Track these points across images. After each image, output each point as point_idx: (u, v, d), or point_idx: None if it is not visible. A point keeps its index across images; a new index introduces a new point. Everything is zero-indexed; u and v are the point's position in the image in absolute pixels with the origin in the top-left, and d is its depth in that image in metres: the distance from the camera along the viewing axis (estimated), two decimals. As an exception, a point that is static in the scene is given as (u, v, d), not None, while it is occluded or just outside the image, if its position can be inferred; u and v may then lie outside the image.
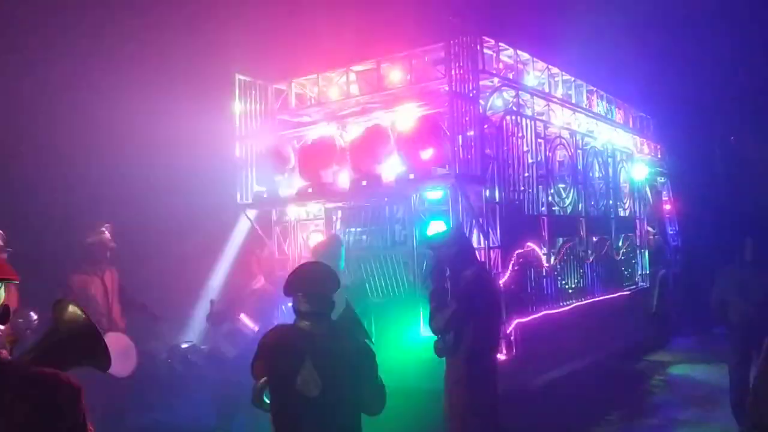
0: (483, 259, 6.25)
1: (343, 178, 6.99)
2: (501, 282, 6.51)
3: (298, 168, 7.25)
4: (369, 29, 7.69)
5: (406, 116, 6.65)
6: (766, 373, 3.00)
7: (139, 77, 7.82)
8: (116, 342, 6.43)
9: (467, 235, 6.13)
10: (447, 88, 6.20)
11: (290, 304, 3.64)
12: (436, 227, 6.29)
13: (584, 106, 8.90)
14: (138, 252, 7.55)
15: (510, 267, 6.70)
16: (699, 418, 7.32)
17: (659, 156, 11.97)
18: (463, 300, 5.04)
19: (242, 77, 7.81)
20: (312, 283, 3.66)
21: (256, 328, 6.22)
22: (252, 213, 7.78)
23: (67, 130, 7.60)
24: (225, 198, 7.85)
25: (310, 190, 7.11)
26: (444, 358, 5.27)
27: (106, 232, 6.71)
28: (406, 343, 6.72)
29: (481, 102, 6.56)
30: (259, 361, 3.54)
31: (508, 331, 6.57)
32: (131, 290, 6.90)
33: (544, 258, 7.44)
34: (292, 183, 7.43)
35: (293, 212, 7.93)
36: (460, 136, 6.19)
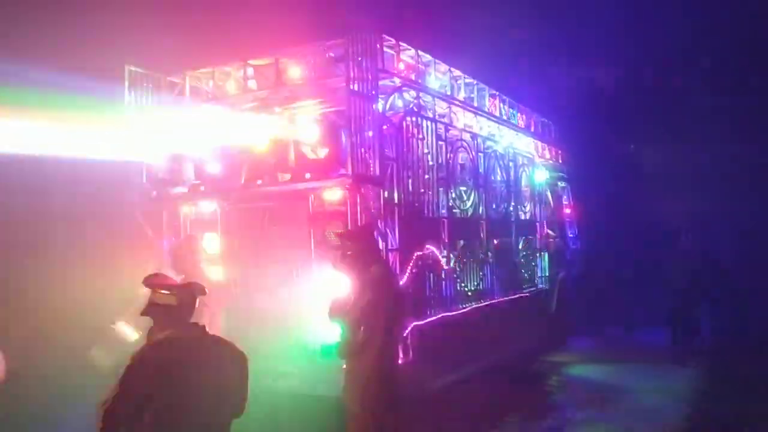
0: (387, 260, 6.12)
1: (237, 176, 6.69)
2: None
3: (193, 166, 6.91)
4: (270, 23, 7.41)
5: (305, 114, 6.45)
6: None
7: (24, 68, 7.20)
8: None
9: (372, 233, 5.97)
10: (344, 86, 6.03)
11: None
12: (337, 226, 6.14)
13: (486, 110, 8.96)
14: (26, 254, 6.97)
15: (408, 269, 6.61)
16: (593, 418, 7.46)
17: (560, 161, 12.27)
18: (375, 294, 4.88)
19: (134, 68, 7.38)
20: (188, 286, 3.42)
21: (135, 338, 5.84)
22: (141, 211, 7.34)
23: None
24: (116, 197, 7.37)
25: (202, 188, 6.78)
26: (344, 361, 5.10)
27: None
28: (302, 349, 6.51)
29: (381, 102, 6.45)
30: (137, 380, 3.15)
31: (404, 335, 6.48)
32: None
33: (443, 260, 7.42)
34: (184, 181, 7.09)
35: (187, 212, 7.55)
36: (358, 136, 6.04)
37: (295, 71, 6.89)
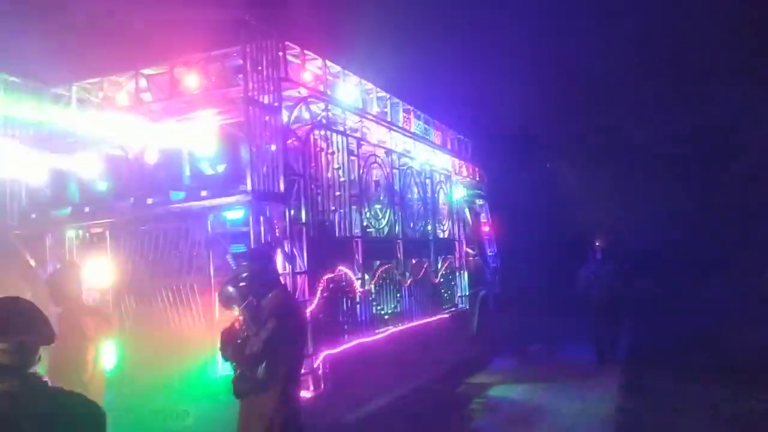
0: (287, 285, 5.61)
1: (126, 195, 6.05)
2: (308, 310, 5.92)
3: (77, 185, 6.22)
4: (163, 29, 6.83)
5: (201, 126, 5.91)
6: None
7: None
8: None
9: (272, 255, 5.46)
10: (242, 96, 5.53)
11: None
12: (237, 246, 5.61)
13: (401, 125, 8.64)
14: None
15: (318, 293, 6.13)
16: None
17: (477, 178, 12.12)
18: (278, 323, 4.33)
19: (9, 77, 6.64)
20: (15, 326, 2.75)
21: None
22: (19, 235, 6.56)
23: None
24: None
25: (87, 209, 6.10)
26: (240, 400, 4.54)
27: None
28: (199, 384, 5.90)
29: (285, 113, 5.99)
30: None
31: (315, 365, 5.99)
32: None
33: (357, 282, 6.98)
34: (67, 201, 6.38)
35: (72, 235, 6.80)
36: (259, 150, 5.54)
37: (191, 81, 6.32)
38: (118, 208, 6.07)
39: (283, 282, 5.24)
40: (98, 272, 6.36)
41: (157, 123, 6.16)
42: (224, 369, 5.15)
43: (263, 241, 5.55)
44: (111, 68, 6.69)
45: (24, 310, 2.77)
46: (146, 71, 6.58)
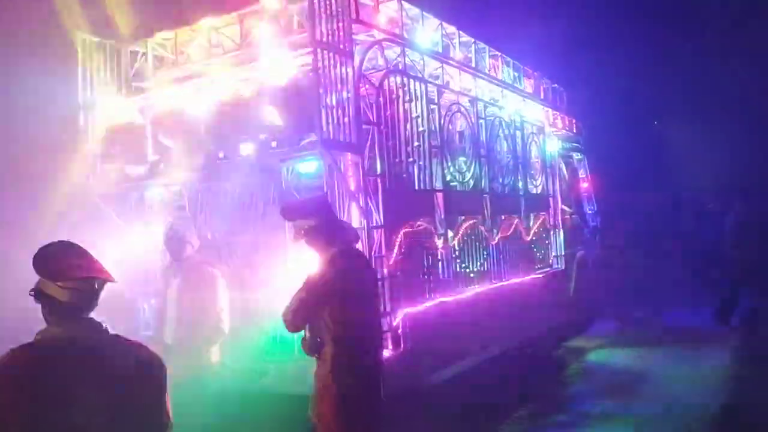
0: (363, 240, 5.30)
1: (199, 150, 5.92)
2: (385, 267, 5.61)
3: (151, 141, 6.16)
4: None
5: (272, 75, 5.65)
6: None
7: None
8: None
9: (333, 209, 5.07)
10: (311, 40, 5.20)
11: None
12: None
13: (487, 72, 8.07)
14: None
15: (396, 249, 5.80)
16: (611, 411, 6.63)
17: (575, 131, 11.33)
18: (316, 286, 3.96)
19: (87, 37, 6.64)
20: (73, 265, 2.59)
21: None
22: (104, 196, 6.61)
23: None
24: (72, 181, 6.64)
25: (162, 166, 6.03)
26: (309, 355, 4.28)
27: None
28: (278, 341, 5.77)
29: (358, 58, 5.63)
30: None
31: (394, 323, 5.69)
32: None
33: (439, 238, 6.59)
34: (147, 159, 6.35)
35: (154, 194, 6.81)
36: (328, 97, 5.22)
37: (261, 29, 6.07)
38: (192, 164, 5.95)
39: (350, 239, 4.83)
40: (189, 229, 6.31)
41: (228, 75, 5.96)
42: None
43: (322, 192, 5.25)
44: (183, 22, 6.54)
45: (81, 250, 2.61)
46: (217, 23, 6.39)
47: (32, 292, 2.54)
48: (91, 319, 2.59)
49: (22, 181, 6.97)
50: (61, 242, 2.65)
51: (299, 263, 5.48)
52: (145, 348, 2.70)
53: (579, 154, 11.61)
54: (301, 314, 3.95)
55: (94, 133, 6.57)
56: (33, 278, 2.52)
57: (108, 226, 6.70)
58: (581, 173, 11.68)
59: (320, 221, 4.08)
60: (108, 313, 2.79)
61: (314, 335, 3.99)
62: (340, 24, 5.38)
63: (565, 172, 10.75)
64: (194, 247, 5.42)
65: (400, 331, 5.73)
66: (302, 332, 4.11)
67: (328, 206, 4.34)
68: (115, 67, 6.81)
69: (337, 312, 3.91)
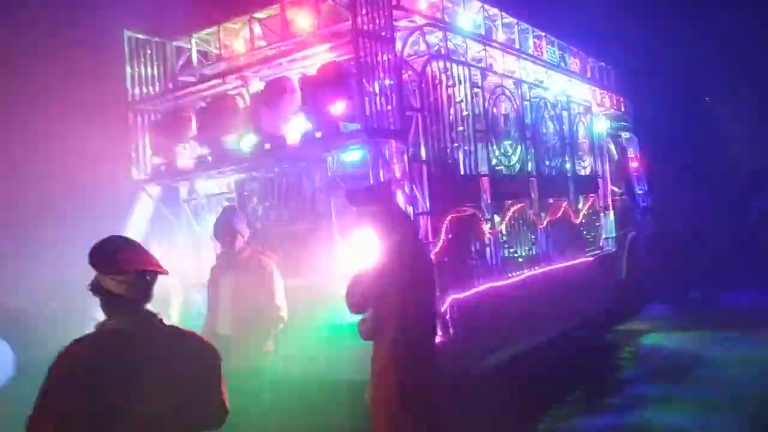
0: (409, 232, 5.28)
1: (247, 142, 5.99)
2: (432, 253, 5.59)
3: (198, 134, 6.26)
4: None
5: (314, 65, 5.68)
6: None
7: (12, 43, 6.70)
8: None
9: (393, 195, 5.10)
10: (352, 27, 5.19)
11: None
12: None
13: (531, 53, 7.93)
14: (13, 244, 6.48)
15: (442, 235, 5.77)
16: (670, 394, 6.50)
17: (623, 109, 11.06)
18: (381, 270, 4.02)
19: (134, 35, 6.77)
20: (127, 258, 2.66)
21: None
22: (153, 190, 6.76)
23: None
24: (117, 174, 6.81)
25: (209, 158, 6.13)
26: (370, 344, 4.32)
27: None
28: (329, 329, 5.81)
29: (399, 44, 5.60)
30: (59, 388, 2.40)
31: (442, 310, 5.67)
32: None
33: (486, 224, 6.54)
34: (194, 152, 6.46)
35: (203, 187, 6.94)
36: (371, 84, 5.21)
37: (302, 20, 6.10)
38: (239, 156, 6.02)
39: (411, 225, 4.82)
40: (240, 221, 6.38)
41: (271, 65, 6.00)
42: (343, 316, 4.97)
43: (380, 180, 5.25)
44: (226, 16, 6.61)
45: (134, 244, 2.71)
46: (259, 15, 6.44)
47: (90, 286, 2.63)
48: (147, 310, 2.67)
49: (76, 178, 7.16)
50: (114, 237, 2.73)
51: (348, 251, 5.54)
52: (199, 338, 2.77)
53: (628, 133, 11.33)
54: (366, 297, 4.01)
55: (142, 128, 6.71)
56: (91, 272, 2.61)
57: (158, 220, 6.86)
58: (630, 152, 11.41)
59: (386, 207, 4.13)
60: (161, 305, 2.87)
61: (376, 318, 4.02)
62: (381, 11, 5.36)
63: (614, 152, 10.52)
64: (245, 238, 5.36)
65: (448, 317, 5.71)
66: (361, 315, 4.16)
67: (393, 193, 4.38)
68: (161, 63, 6.93)
69: (401, 297, 3.96)
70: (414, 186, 5.53)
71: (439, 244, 5.73)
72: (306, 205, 6.31)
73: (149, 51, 6.86)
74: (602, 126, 9.84)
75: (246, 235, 5.36)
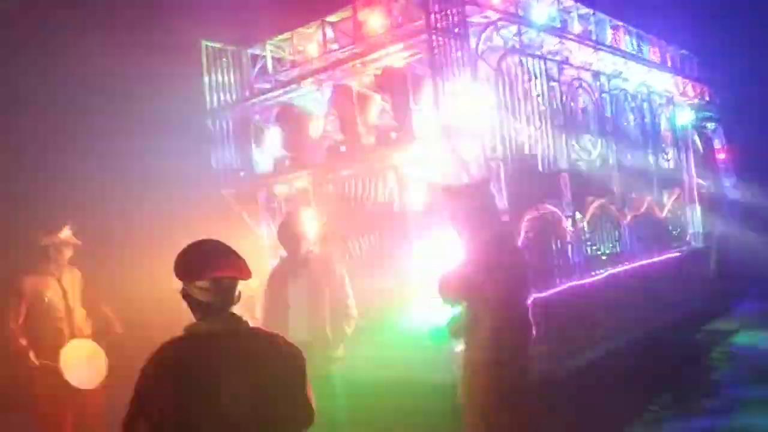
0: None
1: (320, 145, 6.05)
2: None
3: (279, 139, 6.36)
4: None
5: (387, 65, 5.67)
6: None
7: (91, 53, 6.99)
8: (79, 350, 5.73)
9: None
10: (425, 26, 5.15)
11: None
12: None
13: (608, 44, 7.68)
14: (105, 252, 6.73)
15: (522, 233, 5.65)
16: (763, 397, 6.14)
17: (707, 99, 10.57)
18: (480, 266, 3.94)
19: (211, 44, 6.95)
20: (211, 263, 2.71)
21: None
22: (232, 195, 6.90)
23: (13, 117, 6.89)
24: (201, 182, 6.99)
25: (287, 162, 6.21)
26: (457, 345, 4.28)
27: (65, 230, 5.94)
28: (411, 330, 5.77)
29: (473, 40, 5.51)
30: (149, 390, 2.48)
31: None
32: (95, 295, 6.06)
33: (567, 221, 6.36)
34: (272, 156, 6.58)
35: (281, 190, 7.03)
36: (445, 82, 5.15)
37: (375, 21, 6.10)
38: (315, 159, 6.08)
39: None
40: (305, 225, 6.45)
41: (345, 67, 6.03)
42: (433, 316, 4.91)
43: (461, 181, 5.17)
44: (299, 21, 6.70)
45: (218, 249, 2.71)
46: (331, 18, 6.48)
47: (181, 291, 2.69)
48: (233, 313, 2.69)
49: (161, 186, 7.40)
50: (200, 243, 2.75)
51: (424, 254, 5.50)
52: (284, 339, 2.77)
53: (713, 123, 10.82)
54: (463, 289, 3.94)
55: (222, 134, 6.87)
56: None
57: (239, 225, 6.99)
58: (717, 144, 10.89)
59: (483, 203, 4.06)
60: (246, 310, 2.90)
61: (470, 318, 3.95)
62: (454, 8, 5.29)
63: (699, 143, 10.07)
64: (310, 242, 5.23)
65: (530, 318, 5.57)
66: (451, 315, 4.11)
67: (490, 190, 4.32)
68: (237, 71, 7.08)
69: (501, 294, 3.89)
70: (491, 185, 5.42)
71: (519, 242, 5.60)
72: (382, 207, 6.29)
73: (225, 59, 7.01)
74: (686, 117, 9.43)
75: (311, 239, 5.28)
